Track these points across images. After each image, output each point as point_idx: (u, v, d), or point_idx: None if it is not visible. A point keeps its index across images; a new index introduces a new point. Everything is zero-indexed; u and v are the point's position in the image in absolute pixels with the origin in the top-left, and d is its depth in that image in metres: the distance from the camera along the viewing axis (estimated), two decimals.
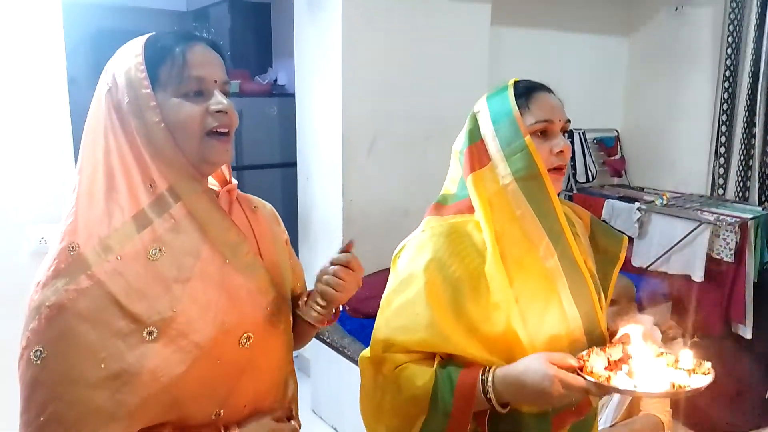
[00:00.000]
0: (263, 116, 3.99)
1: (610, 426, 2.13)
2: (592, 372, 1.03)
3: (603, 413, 2.16)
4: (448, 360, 1.14)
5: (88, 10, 4.11)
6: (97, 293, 0.94)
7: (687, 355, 1.08)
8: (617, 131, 4.55)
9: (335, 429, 3.03)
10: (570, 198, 4.15)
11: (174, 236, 0.98)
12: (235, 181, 1.17)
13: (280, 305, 1.11)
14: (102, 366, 0.93)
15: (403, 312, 1.15)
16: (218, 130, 1.02)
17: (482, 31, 3.37)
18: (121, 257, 0.95)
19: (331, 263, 1.15)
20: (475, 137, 1.19)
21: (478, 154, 1.18)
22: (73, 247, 0.96)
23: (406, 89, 3.12)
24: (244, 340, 1.03)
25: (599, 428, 2.10)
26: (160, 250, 0.97)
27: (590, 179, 4.26)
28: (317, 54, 3.09)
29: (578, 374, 1.03)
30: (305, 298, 1.20)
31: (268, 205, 1.27)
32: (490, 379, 1.08)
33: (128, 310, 0.94)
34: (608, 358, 1.08)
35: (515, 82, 1.21)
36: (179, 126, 1.00)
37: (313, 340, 2.95)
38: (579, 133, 4.22)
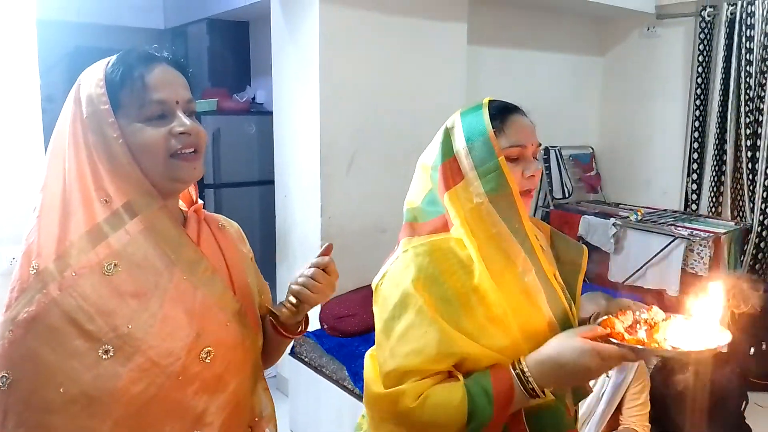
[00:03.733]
0: (241, 134, 3.98)
1: None
2: (624, 338, 1.04)
3: (585, 428, 2.17)
4: (468, 371, 1.11)
5: (64, 29, 4.08)
6: (53, 312, 0.92)
7: (703, 309, 1.11)
8: (592, 148, 4.62)
9: None
10: (547, 214, 4.19)
11: (130, 251, 0.97)
12: (200, 201, 1.17)
13: (244, 321, 1.09)
14: (61, 390, 0.91)
15: (408, 336, 1.10)
16: (183, 151, 1.02)
17: (459, 51, 3.41)
18: (75, 273, 0.94)
19: (311, 266, 1.15)
20: (448, 153, 1.19)
21: (451, 171, 1.18)
22: (33, 267, 0.95)
23: (383, 108, 3.14)
24: (204, 355, 1.01)
25: None
26: (115, 265, 0.96)
27: (566, 195, 4.31)
28: (295, 72, 3.10)
29: (611, 342, 1.04)
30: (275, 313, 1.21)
31: (234, 224, 1.26)
32: (526, 370, 1.07)
33: (84, 328, 0.93)
34: (624, 327, 1.10)
35: (489, 101, 1.22)
36: (143, 150, 1.00)
37: (291, 359, 2.96)
38: (555, 151, 4.27)
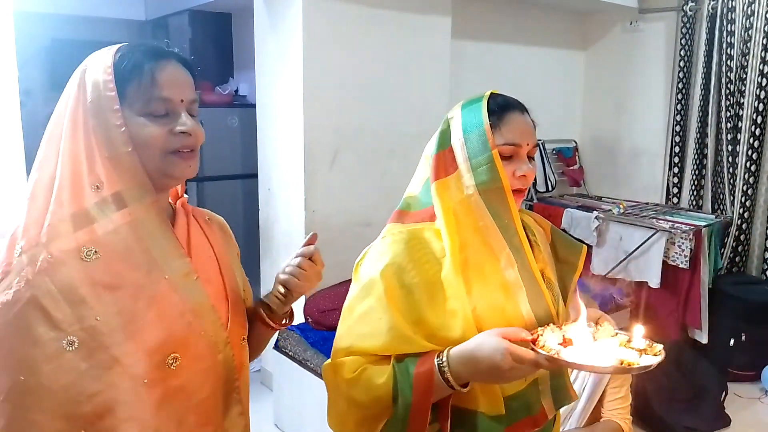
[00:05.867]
0: (224, 127, 3.95)
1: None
2: (543, 346, 1.05)
3: (567, 422, 2.19)
4: (405, 355, 1.14)
5: (42, 21, 4.02)
6: (25, 296, 0.91)
7: (639, 333, 1.10)
8: (575, 142, 4.64)
9: None
10: (530, 207, 4.21)
11: (112, 241, 0.96)
12: (186, 196, 1.16)
13: (220, 333, 1.06)
14: (21, 378, 0.90)
15: (364, 319, 1.14)
16: (181, 150, 1.02)
17: (443, 45, 3.40)
18: (51, 256, 0.92)
19: (296, 255, 1.15)
20: (445, 144, 1.20)
21: (444, 162, 1.18)
22: (17, 250, 0.94)
23: (367, 101, 3.13)
24: (171, 361, 0.97)
25: None
26: (95, 252, 0.94)
27: (550, 189, 4.33)
28: (278, 65, 3.08)
29: (531, 348, 1.05)
30: (261, 304, 1.20)
31: (221, 218, 1.25)
32: (445, 360, 1.09)
33: (50, 315, 0.91)
34: (563, 336, 1.10)
35: (492, 94, 1.21)
36: (142, 144, 0.99)
37: (275, 353, 2.96)
38: (538, 144, 4.28)
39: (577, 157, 4.59)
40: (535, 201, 4.24)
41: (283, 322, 1.22)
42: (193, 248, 1.08)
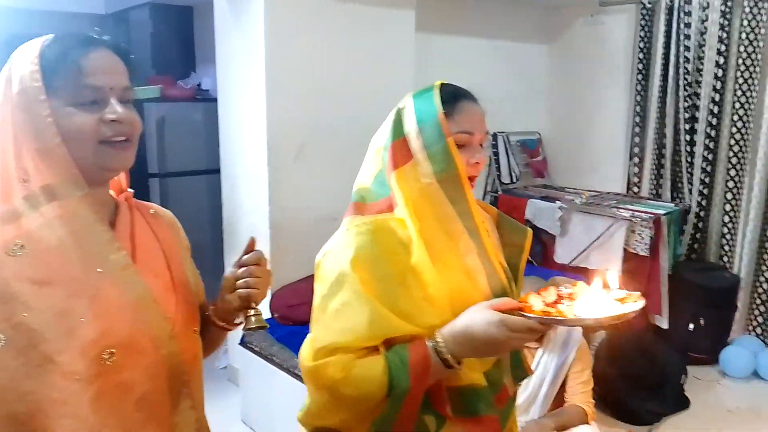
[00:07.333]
0: (186, 122, 3.90)
1: (539, 418, 2.20)
2: (533, 310, 1.08)
3: (531, 409, 2.23)
4: (391, 344, 1.14)
5: (0, 15, 3.91)
6: None
7: (614, 279, 1.16)
8: (539, 134, 4.70)
9: None
10: (495, 199, 4.25)
11: (42, 236, 0.93)
12: (130, 190, 1.13)
13: (163, 326, 1.02)
14: None
15: (342, 314, 1.13)
16: (114, 139, 0.99)
17: (407, 38, 3.41)
18: None
19: (241, 265, 1.12)
20: (399, 134, 1.21)
21: (400, 151, 1.20)
22: None
23: (332, 95, 3.12)
24: (107, 356, 0.94)
25: (530, 420, 2.18)
26: (22, 246, 0.92)
27: (514, 180, 4.38)
28: (240, 59, 3.05)
29: (521, 315, 1.08)
30: (212, 307, 1.18)
31: (168, 212, 1.22)
32: (441, 341, 1.10)
33: None
34: (544, 301, 1.14)
35: (442, 85, 1.23)
36: (72, 135, 0.97)
37: (242, 349, 2.94)
38: (503, 136, 4.33)
39: (540, 149, 4.65)
40: (499, 192, 4.28)
41: (236, 321, 1.19)
42: (138, 242, 1.06)
